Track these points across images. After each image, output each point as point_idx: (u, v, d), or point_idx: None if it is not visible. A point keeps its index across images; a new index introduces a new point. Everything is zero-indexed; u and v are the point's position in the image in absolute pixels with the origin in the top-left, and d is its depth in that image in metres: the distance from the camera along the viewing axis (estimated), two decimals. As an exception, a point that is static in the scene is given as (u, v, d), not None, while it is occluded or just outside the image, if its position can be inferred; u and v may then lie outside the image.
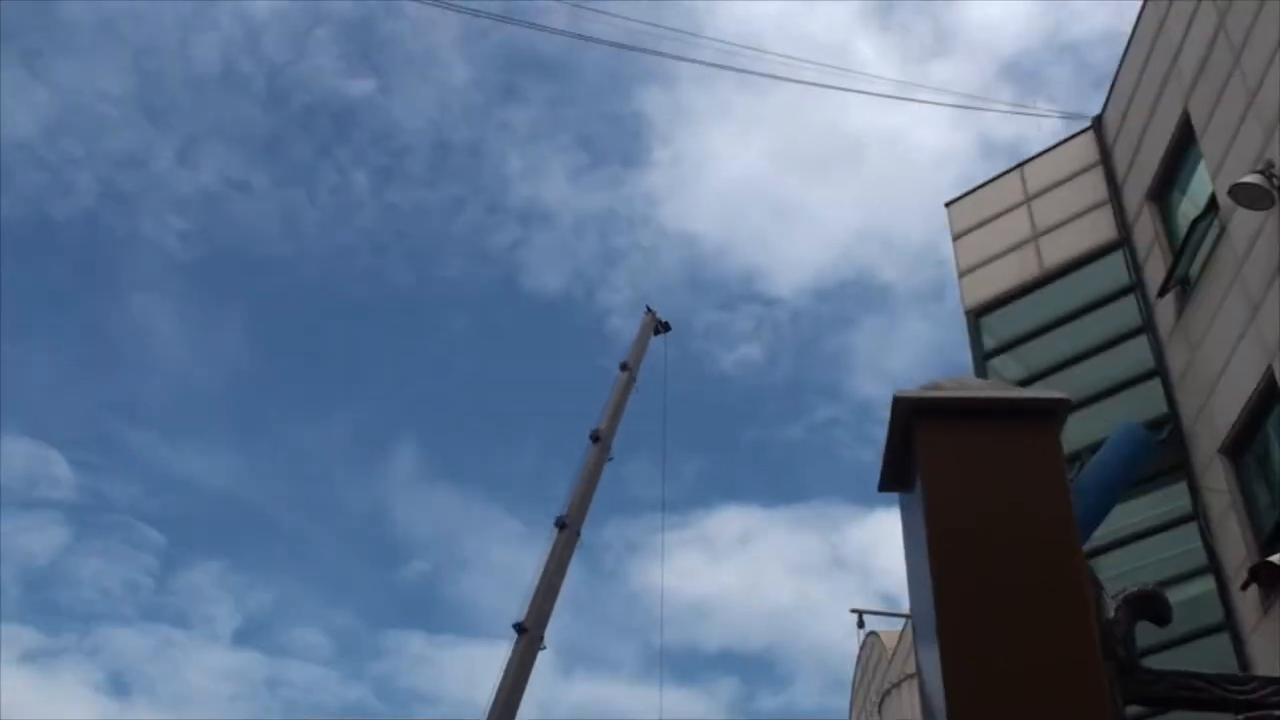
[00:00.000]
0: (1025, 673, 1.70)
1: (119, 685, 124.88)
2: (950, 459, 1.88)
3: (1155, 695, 1.78)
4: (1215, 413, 14.73)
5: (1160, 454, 15.10)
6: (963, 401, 1.91)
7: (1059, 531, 1.81)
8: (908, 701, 26.60)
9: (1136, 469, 14.10)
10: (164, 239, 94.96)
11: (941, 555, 1.84)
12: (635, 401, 34.92)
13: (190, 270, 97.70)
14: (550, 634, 28.74)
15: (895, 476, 2.01)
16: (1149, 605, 1.81)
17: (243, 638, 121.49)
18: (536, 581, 29.07)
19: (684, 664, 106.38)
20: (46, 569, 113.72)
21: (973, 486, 1.86)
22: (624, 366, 35.28)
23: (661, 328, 38.56)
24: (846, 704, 38.48)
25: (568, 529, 30.28)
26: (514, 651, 27.69)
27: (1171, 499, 15.54)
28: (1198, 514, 14.94)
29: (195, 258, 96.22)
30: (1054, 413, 1.89)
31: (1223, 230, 14.71)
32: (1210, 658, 13.59)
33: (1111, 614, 1.79)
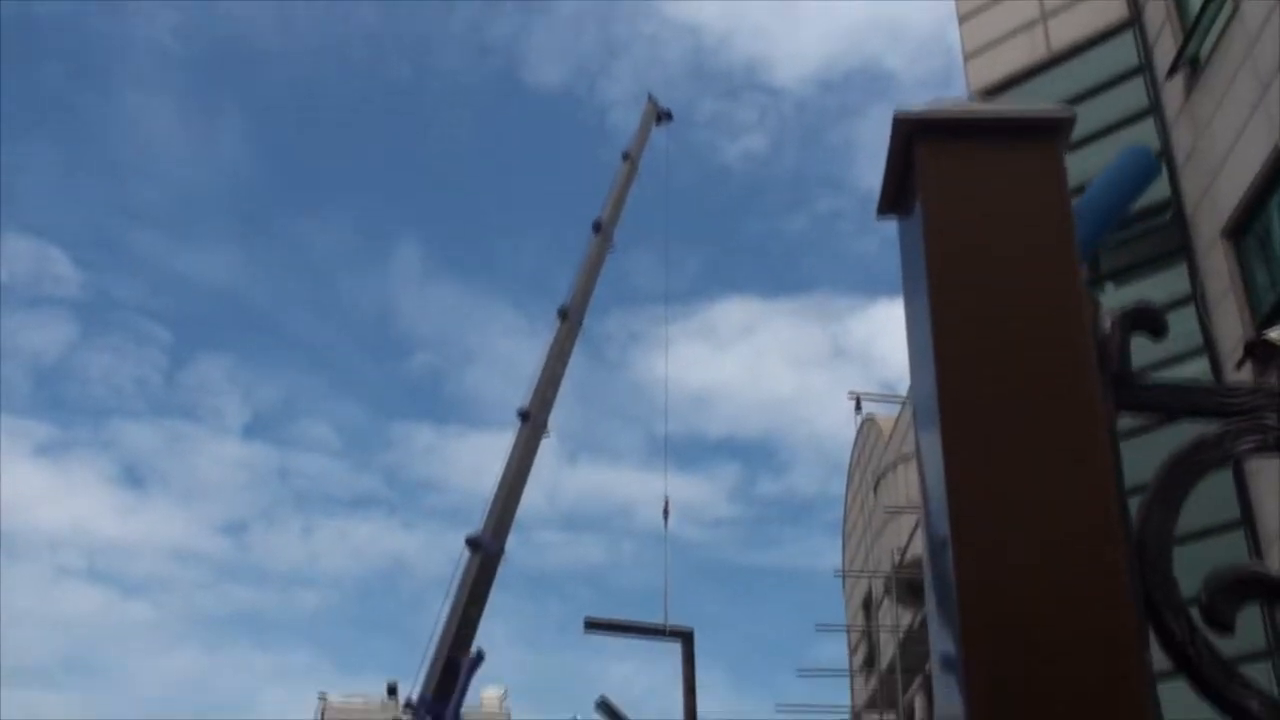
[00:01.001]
0: (1019, 378, 1.72)
1: (133, 477, 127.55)
2: (951, 178, 1.87)
3: (1147, 404, 1.81)
4: (1219, 195, 14.65)
5: (1158, 174, 15.23)
6: (964, 118, 1.89)
7: (1059, 248, 1.81)
8: (903, 482, 27.15)
9: (1139, 190, 14.18)
10: (157, 35, 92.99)
11: (940, 276, 1.84)
12: (637, 194, 34.71)
13: (185, 66, 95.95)
14: (554, 423, 29.19)
15: (894, 199, 2.00)
16: (1144, 319, 1.83)
17: (252, 430, 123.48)
18: (539, 370, 29.41)
19: (687, 451, 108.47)
20: (55, 365, 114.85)
21: (973, 205, 1.85)
22: (625, 156, 34.94)
23: (664, 116, 38.01)
24: (843, 488, 39.33)
25: (570, 318, 30.45)
26: (518, 438, 28.14)
27: (1170, 283, 15.58)
28: (1196, 297, 15.00)
29: (189, 54, 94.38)
30: (1058, 129, 1.87)
31: (1236, 8, 14.38)
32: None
33: (1107, 329, 1.81)
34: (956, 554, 1.61)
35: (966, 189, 1.87)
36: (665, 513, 25.51)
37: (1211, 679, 1.63)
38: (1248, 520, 13.42)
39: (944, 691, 1.64)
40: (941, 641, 1.66)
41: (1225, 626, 1.65)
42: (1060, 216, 1.85)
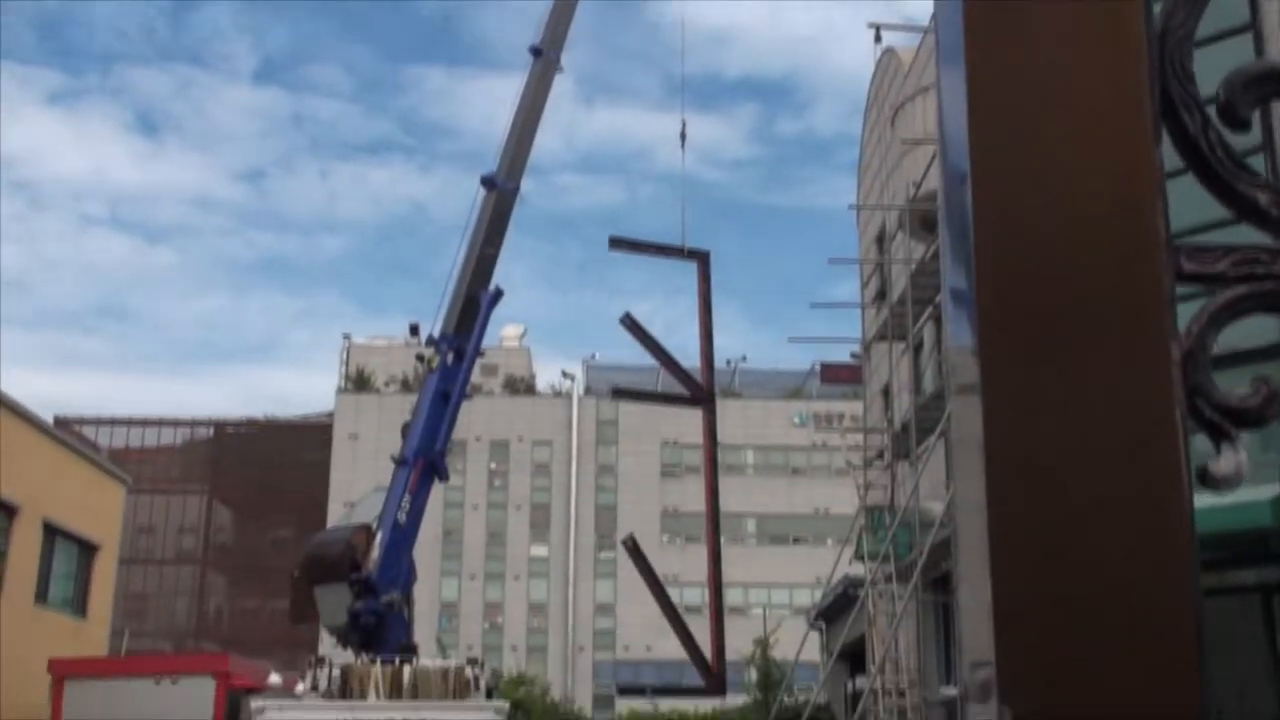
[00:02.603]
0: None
1: (147, 124, 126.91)
2: None
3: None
4: None
5: None
6: None
7: None
8: (921, 114, 26.85)
9: None
10: None
11: None
12: None
13: None
14: (570, 65, 28.65)
15: None
16: None
17: (263, 76, 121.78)
18: (550, 2, 28.63)
19: (704, 91, 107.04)
20: (57, 10, 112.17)
21: None
22: None
23: None
24: (861, 124, 38.93)
25: (581, -52, 29.40)
26: (531, 74, 27.69)
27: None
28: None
29: None
30: None
31: None
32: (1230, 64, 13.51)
33: None
34: (975, 183, 1.56)
35: None
36: (682, 135, 25.31)
37: (1223, 173, 1.64)
38: (1255, 27, 13.61)
39: (954, 323, 1.64)
40: (954, 275, 1.63)
41: (1242, 124, 1.65)
42: None
